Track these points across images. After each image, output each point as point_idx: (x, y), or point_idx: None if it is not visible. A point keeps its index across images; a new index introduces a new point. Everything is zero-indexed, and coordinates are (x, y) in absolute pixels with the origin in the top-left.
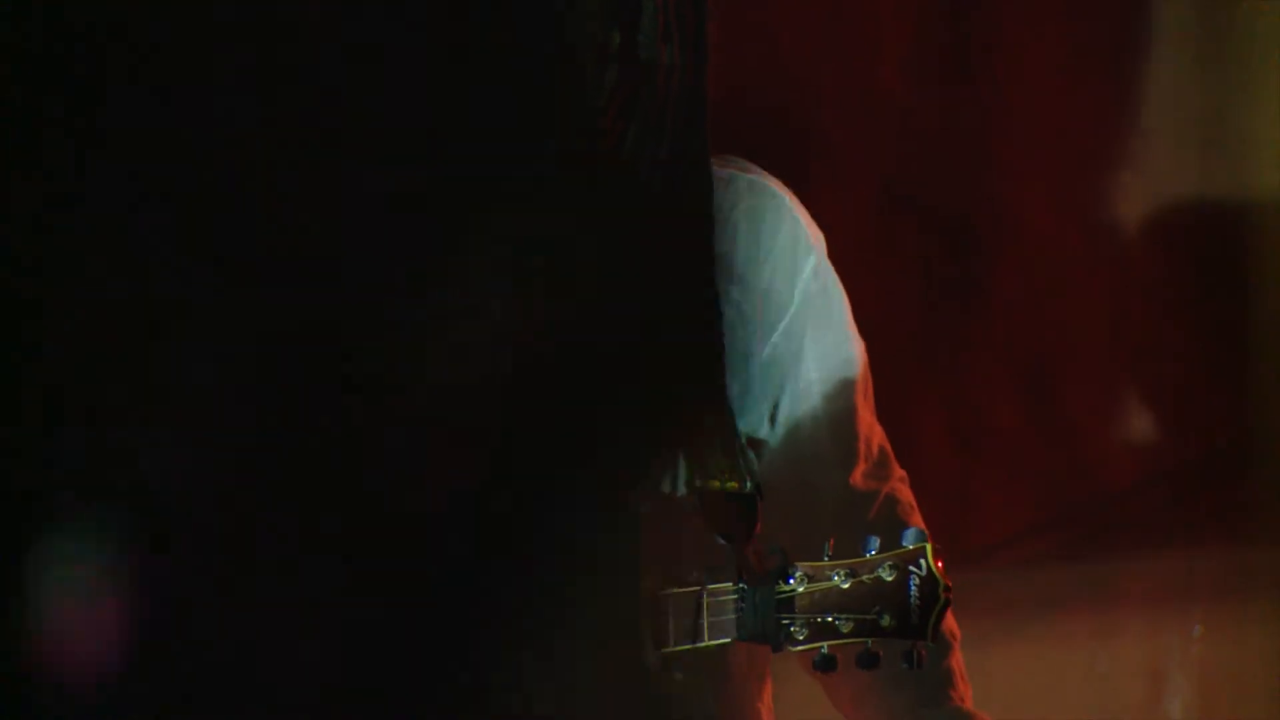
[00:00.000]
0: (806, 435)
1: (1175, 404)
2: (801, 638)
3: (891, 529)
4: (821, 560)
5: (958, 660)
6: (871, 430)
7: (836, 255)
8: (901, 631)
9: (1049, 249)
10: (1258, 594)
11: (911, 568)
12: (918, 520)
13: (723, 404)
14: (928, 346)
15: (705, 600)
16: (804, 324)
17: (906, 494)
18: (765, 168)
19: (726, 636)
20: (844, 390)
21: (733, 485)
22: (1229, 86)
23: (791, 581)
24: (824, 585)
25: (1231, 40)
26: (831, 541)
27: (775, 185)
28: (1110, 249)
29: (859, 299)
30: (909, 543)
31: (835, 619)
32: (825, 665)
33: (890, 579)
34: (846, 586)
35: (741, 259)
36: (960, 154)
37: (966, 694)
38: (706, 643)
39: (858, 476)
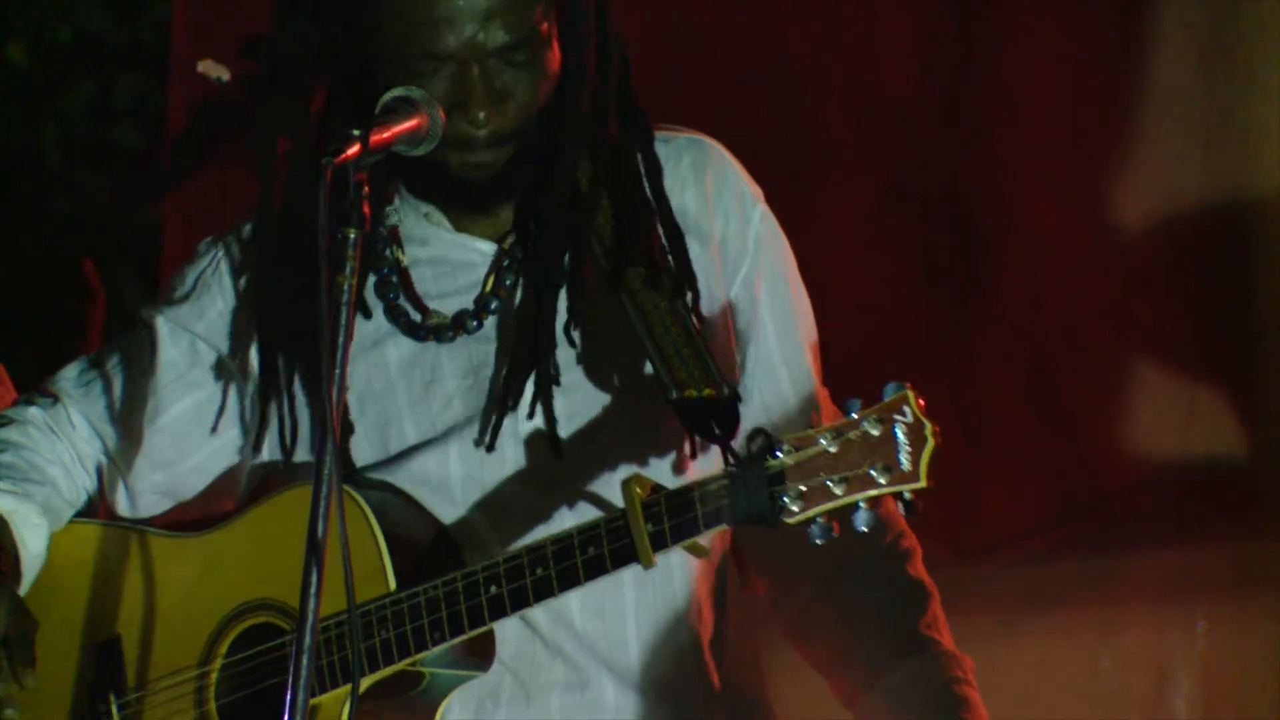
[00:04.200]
0: (770, 385)
1: (1180, 400)
2: (797, 508)
3: None
4: (806, 430)
5: (938, 609)
6: (821, 385)
7: (841, 253)
8: (895, 480)
9: (1054, 246)
10: (1261, 589)
11: (896, 416)
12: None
13: (689, 320)
14: (933, 344)
15: (696, 494)
16: (758, 273)
17: None
18: (770, 167)
19: (723, 524)
20: (796, 342)
21: (709, 392)
22: (1234, 83)
23: (780, 455)
24: (812, 451)
25: (1236, 36)
26: (813, 414)
27: (712, 141)
28: (1115, 246)
29: (863, 296)
30: (890, 395)
31: (827, 481)
32: (825, 533)
33: (877, 432)
34: (835, 449)
35: (694, 210)
36: (964, 152)
37: (947, 640)
38: (704, 533)
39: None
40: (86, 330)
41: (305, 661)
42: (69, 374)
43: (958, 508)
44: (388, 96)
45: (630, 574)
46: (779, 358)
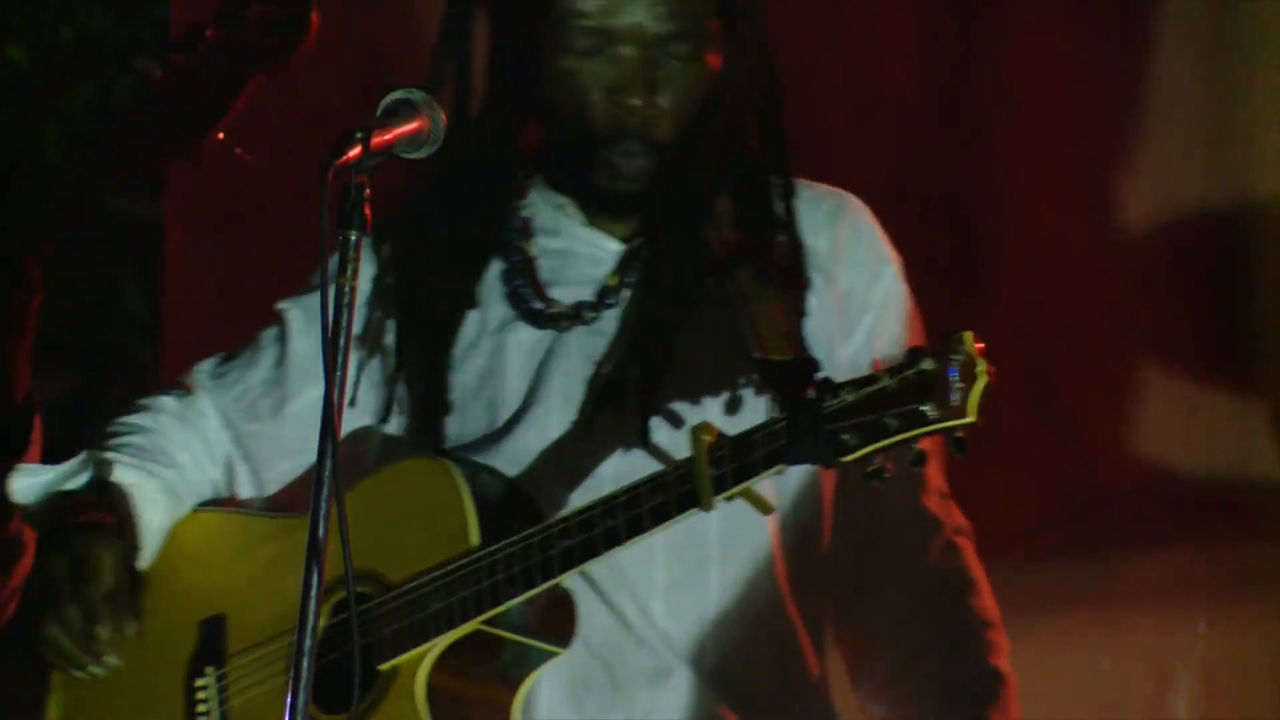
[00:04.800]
0: None
1: (1180, 400)
2: (855, 443)
3: (947, 583)
4: (867, 374)
5: (1010, 701)
6: (935, 463)
7: None
8: (944, 416)
9: (1054, 246)
10: (1262, 591)
11: (952, 355)
12: (977, 575)
13: (790, 310)
14: (933, 344)
15: (759, 435)
16: (878, 328)
17: (967, 549)
18: None
19: (782, 463)
20: None
21: (790, 355)
22: (1234, 84)
23: (841, 394)
24: (870, 389)
25: (1236, 36)
26: (877, 361)
27: (856, 199)
28: (1115, 246)
29: None
30: (950, 338)
31: (884, 418)
32: (876, 475)
33: (931, 368)
34: (893, 389)
35: (824, 252)
36: (964, 152)
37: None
38: (761, 475)
39: (925, 500)
40: (22, 325)
41: (306, 664)
42: (205, 367)
43: (958, 508)
44: (389, 98)
45: (716, 580)
46: None
